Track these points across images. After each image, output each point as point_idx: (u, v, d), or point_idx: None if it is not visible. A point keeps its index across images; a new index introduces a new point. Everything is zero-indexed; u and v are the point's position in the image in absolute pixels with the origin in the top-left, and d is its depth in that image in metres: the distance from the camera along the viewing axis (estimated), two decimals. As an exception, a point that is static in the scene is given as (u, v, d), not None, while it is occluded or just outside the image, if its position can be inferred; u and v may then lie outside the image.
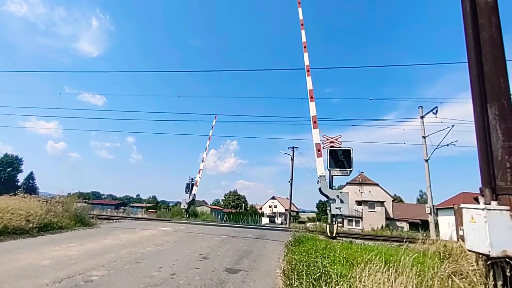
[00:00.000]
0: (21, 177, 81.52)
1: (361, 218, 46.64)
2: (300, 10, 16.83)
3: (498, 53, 4.12)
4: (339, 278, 3.85)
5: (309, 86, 14.51)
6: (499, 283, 3.34)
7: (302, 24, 16.36)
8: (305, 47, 15.62)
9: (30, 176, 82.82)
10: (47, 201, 10.06)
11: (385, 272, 3.62)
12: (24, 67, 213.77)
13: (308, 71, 14.95)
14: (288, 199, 39.16)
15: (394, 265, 3.83)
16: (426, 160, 20.12)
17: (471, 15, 4.42)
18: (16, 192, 10.40)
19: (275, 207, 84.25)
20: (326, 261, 5.05)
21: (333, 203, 11.88)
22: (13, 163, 79.98)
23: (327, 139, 13.20)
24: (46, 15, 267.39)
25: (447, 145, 19.10)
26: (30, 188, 71.01)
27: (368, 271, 3.70)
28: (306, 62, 15.15)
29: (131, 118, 75.12)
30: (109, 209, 36.33)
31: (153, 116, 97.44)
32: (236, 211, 69.32)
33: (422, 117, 20.96)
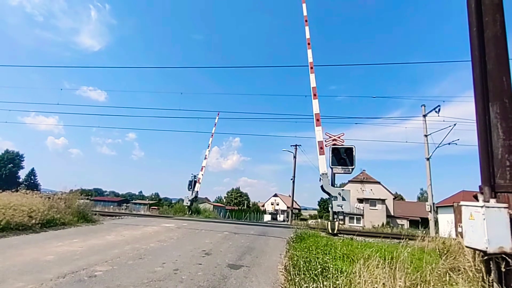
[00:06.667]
0: (22, 174, 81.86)
1: (362, 215, 46.79)
2: (304, 6, 16.79)
3: (502, 52, 4.12)
4: (339, 273, 3.90)
5: (313, 83, 14.50)
6: (494, 277, 3.40)
7: (306, 20, 16.32)
8: (309, 43, 15.59)
9: (32, 173, 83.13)
10: (49, 198, 10.11)
11: (384, 268, 3.67)
12: (23, 62, 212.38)
13: (311, 68, 14.94)
14: (290, 196, 39.26)
15: (393, 261, 3.88)
16: (428, 159, 20.13)
17: (476, 12, 4.40)
18: (18, 189, 10.44)
19: (277, 204, 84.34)
20: (327, 257, 5.11)
21: (335, 200, 11.95)
22: (14, 159, 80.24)
23: (330, 137, 13.23)
24: (44, 5, 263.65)
25: (449, 143, 19.17)
26: (31, 184, 71.36)
27: (368, 267, 3.74)
28: (310, 59, 15.14)
29: (133, 115, 75.29)
30: (111, 206, 36.53)
31: (155, 113, 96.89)
32: (239, 208, 69.44)
33: (424, 116, 20.95)
